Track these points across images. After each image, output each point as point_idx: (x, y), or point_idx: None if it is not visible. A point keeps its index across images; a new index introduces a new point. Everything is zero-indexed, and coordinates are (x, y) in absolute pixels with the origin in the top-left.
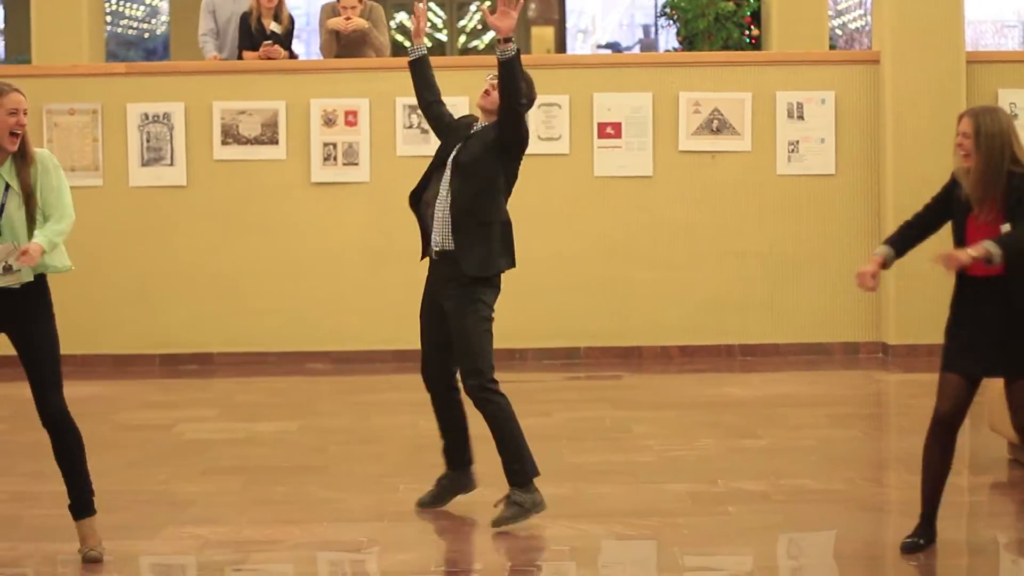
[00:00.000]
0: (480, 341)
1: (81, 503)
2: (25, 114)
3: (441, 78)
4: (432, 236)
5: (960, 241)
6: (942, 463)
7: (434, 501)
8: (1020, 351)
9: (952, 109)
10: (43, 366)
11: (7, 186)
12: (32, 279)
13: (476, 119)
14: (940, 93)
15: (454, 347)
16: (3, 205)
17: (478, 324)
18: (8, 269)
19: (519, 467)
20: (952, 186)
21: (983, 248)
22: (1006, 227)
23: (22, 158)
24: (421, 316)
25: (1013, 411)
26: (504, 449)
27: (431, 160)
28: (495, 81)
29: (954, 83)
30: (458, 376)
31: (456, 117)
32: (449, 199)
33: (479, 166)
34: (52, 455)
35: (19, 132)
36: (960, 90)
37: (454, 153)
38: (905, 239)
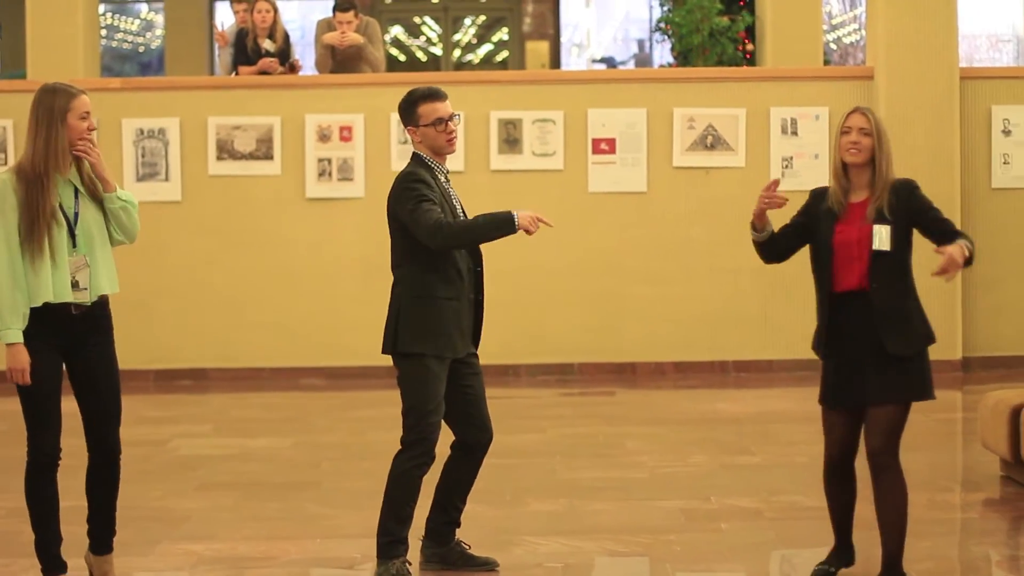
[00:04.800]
0: None
1: (105, 539)
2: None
3: None
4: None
5: (828, 254)
6: (844, 495)
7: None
8: (891, 376)
9: (946, 126)
10: (105, 399)
11: (77, 191)
12: (100, 297)
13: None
14: (934, 109)
15: (477, 404)
16: (77, 213)
17: None
18: (75, 285)
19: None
20: (812, 204)
21: (963, 246)
22: (881, 229)
23: (79, 162)
24: (439, 400)
25: (869, 434)
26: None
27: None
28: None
29: (948, 99)
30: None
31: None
32: None
33: None
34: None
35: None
36: (954, 106)
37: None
38: (774, 241)
